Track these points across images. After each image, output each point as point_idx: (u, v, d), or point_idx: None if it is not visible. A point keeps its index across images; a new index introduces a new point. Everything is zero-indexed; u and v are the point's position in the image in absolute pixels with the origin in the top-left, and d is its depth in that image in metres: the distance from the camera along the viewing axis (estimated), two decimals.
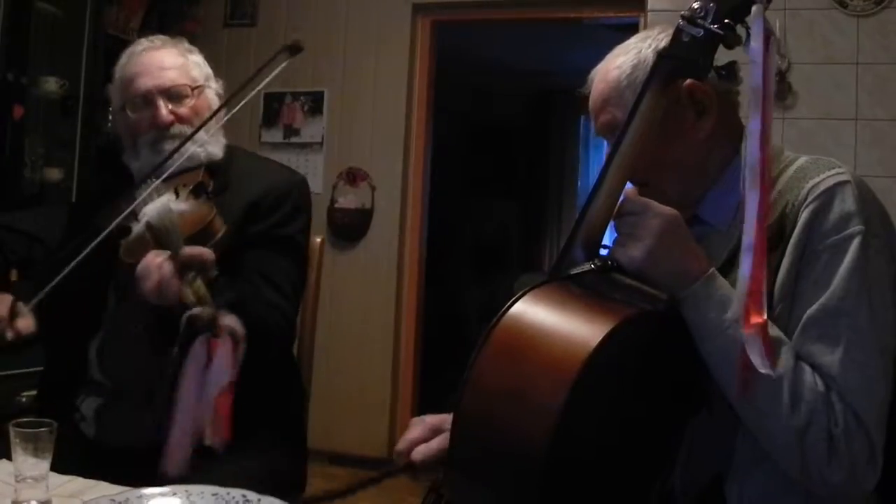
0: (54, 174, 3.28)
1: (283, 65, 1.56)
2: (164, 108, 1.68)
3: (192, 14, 4.21)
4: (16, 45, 3.06)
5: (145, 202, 1.55)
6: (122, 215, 1.51)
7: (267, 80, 1.56)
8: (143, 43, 1.79)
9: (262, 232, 1.69)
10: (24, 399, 2.05)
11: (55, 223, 1.86)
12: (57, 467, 1.17)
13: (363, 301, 4.05)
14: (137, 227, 1.51)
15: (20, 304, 1.50)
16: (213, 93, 1.80)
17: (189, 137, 1.61)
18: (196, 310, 1.30)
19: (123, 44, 3.51)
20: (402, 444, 1.19)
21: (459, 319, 5.79)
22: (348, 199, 4.08)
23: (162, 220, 1.46)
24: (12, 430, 1.10)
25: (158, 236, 1.45)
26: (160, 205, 1.51)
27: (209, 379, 1.29)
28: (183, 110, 1.71)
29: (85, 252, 1.46)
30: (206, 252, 1.40)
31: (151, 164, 1.67)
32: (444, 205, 4.75)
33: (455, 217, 6.32)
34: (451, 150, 5.30)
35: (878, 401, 1.01)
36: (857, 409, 0.99)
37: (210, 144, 1.71)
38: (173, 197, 1.58)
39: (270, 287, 1.65)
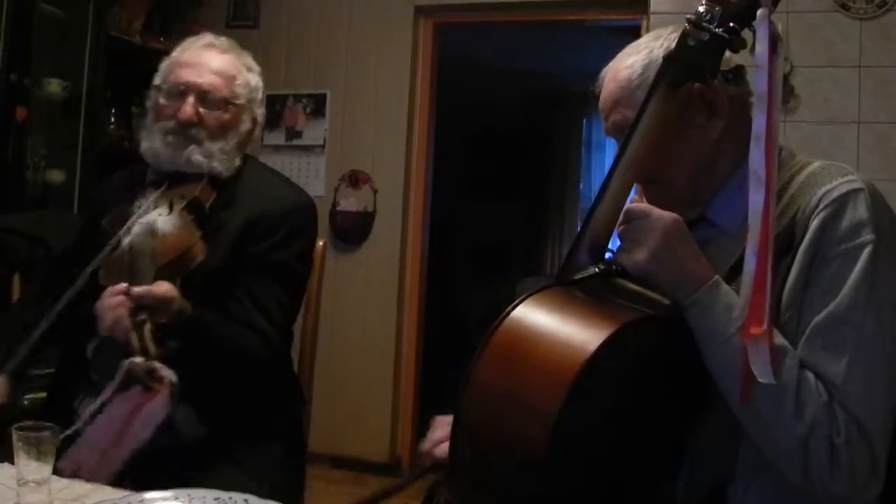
0: (57, 176, 3.28)
1: None
2: (191, 106, 1.67)
3: (195, 16, 4.21)
4: (19, 47, 3.06)
5: (139, 216, 1.57)
6: (104, 252, 1.55)
7: None
8: (210, 39, 1.77)
9: (257, 255, 1.68)
10: (26, 402, 2.04)
11: (58, 226, 1.86)
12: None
13: (365, 304, 4.04)
14: (123, 244, 1.55)
15: None
16: (249, 117, 1.77)
17: None
18: (136, 359, 1.33)
19: (126, 45, 3.55)
20: (427, 444, 1.19)
21: (461, 322, 5.78)
22: (350, 202, 4.08)
23: (141, 245, 1.52)
24: (15, 434, 1.10)
25: (133, 260, 1.51)
26: (146, 224, 1.56)
27: (135, 426, 1.35)
28: (210, 117, 1.69)
29: (63, 302, 1.51)
30: (158, 291, 1.46)
31: (155, 152, 1.68)
32: (446, 207, 4.74)
33: (457, 220, 6.31)
34: (453, 153, 5.29)
35: (883, 411, 1.00)
36: (860, 419, 0.98)
37: (217, 160, 1.69)
38: (166, 211, 1.60)
39: (258, 311, 1.65)
